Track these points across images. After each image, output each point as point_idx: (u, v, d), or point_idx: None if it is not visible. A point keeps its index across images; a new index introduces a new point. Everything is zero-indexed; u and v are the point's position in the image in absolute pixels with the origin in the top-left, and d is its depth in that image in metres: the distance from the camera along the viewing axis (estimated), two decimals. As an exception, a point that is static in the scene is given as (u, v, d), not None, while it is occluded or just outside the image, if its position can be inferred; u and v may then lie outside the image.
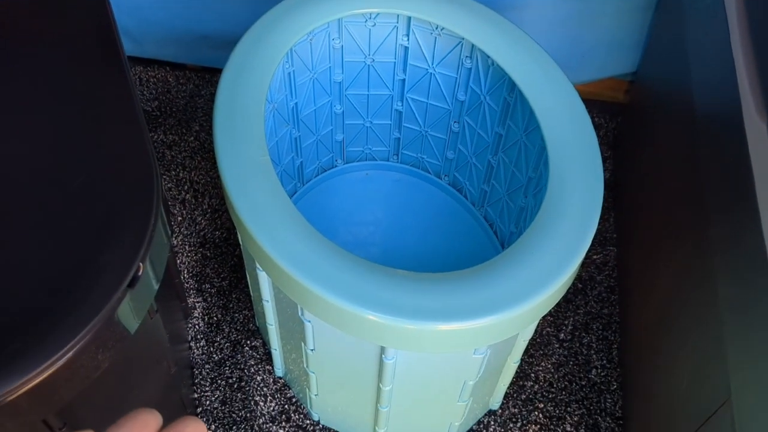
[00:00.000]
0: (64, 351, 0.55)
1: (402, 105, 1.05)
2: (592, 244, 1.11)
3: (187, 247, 1.09)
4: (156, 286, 0.65)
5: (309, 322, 0.73)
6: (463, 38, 0.89)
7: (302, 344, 0.78)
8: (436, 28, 0.92)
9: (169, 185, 1.16)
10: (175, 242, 1.09)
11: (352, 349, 0.73)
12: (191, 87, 1.29)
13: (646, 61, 1.12)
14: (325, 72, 0.98)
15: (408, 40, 0.95)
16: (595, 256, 1.10)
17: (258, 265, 0.74)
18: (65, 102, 0.68)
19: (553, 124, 0.78)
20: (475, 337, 0.66)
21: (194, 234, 1.10)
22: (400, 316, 0.63)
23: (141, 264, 0.60)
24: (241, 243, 0.81)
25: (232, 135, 0.74)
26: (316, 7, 0.87)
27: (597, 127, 1.24)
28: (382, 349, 0.70)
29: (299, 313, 0.73)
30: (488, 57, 0.87)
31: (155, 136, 1.22)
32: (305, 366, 0.82)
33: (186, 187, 1.16)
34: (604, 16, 1.11)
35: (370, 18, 0.92)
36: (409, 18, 0.92)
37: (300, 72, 0.94)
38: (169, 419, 0.83)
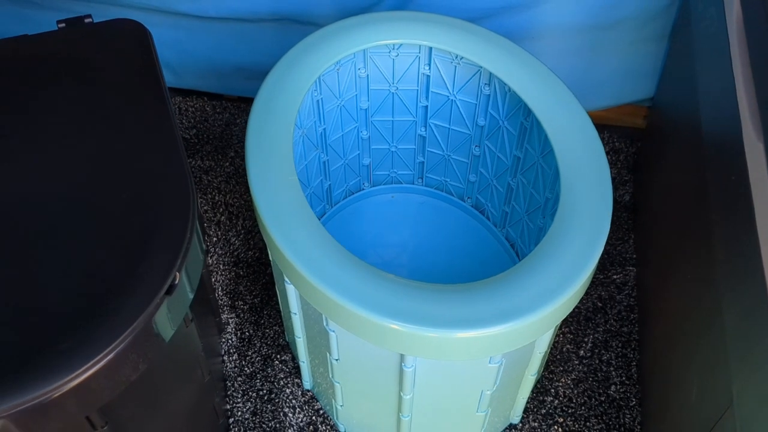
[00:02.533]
0: (106, 352, 0.60)
1: (425, 130, 1.10)
2: (613, 265, 1.14)
3: (221, 266, 1.14)
4: (191, 296, 0.70)
5: (333, 332, 0.77)
6: (481, 67, 0.94)
7: (327, 354, 0.82)
8: (456, 57, 0.97)
9: (205, 208, 1.22)
10: (210, 261, 1.15)
11: (373, 357, 0.77)
12: (227, 116, 1.36)
13: (661, 88, 1.15)
14: (351, 99, 1.04)
15: (429, 69, 1.01)
16: (615, 276, 1.13)
17: (286, 279, 0.79)
18: (111, 126, 0.75)
19: (566, 147, 0.82)
20: (489, 345, 0.69)
21: (228, 254, 1.16)
22: (417, 324, 0.67)
23: (177, 273, 0.65)
24: (271, 259, 0.86)
25: (263, 157, 0.79)
26: (342, 38, 0.92)
27: (617, 151, 1.28)
28: (402, 357, 0.74)
29: (324, 323, 0.77)
30: (505, 84, 0.92)
31: (193, 162, 1.28)
32: (331, 376, 0.87)
33: (221, 209, 1.22)
34: (620, 45, 1.15)
35: (394, 48, 0.98)
36: (430, 48, 0.97)
37: (328, 99, 1.00)
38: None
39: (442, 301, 0.68)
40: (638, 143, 1.28)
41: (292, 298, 0.83)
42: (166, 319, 0.66)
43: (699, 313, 0.77)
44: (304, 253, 0.71)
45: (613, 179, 1.24)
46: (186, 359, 0.80)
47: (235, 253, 1.16)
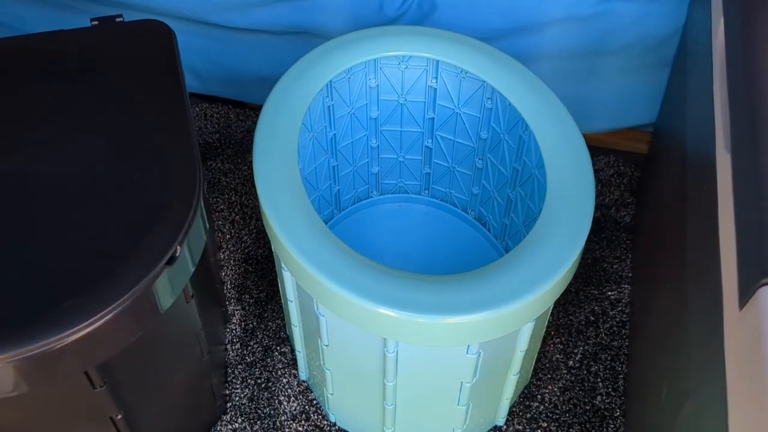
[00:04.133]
0: (106, 312, 0.66)
1: (432, 142, 1.15)
2: (609, 282, 1.17)
3: (232, 261, 1.20)
4: (191, 269, 0.76)
5: (323, 316, 0.82)
6: (484, 81, 0.99)
7: (318, 340, 0.87)
8: (461, 71, 1.02)
9: (221, 207, 1.28)
10: (222, 256, 1.21)
11: (359, 342, 0.81)
12: (249, 123, 1.42)
13: (661, 114, 1.19)
14: (362, 108, 1.10)
15: (436, 82, 1.06)
16: (609, 293, 1.16)
17: (283, 266, 0.85)
18: (130, 113, 0.81)
19: (555, 157, 0.87)
20: (465, 332, 0.74)
21: (239, 251, 1.22)
22: (395, 308, 0.72)
23: (179, 247, 0.71)
24: (273, 250, 0.92)
25: (269, 150, 0.85)
26: (353, 48, 0.99)
27: (622, 175, 1.32)
28: (384, 342, 0.78)
29: (315, 308, 0.82)
30: (506, 99, 0.97)
31: (214, 164, 1.35)
32: (322, 363, 0.91)
33: (236, 209, 1.28)
34: (624, 70, 1.20)
35: (403, 61, 1.04)
36: (437, 62, 1.03)
37: (339, 106, 1.06)
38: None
39: (422, 288, 0.73)
40: (642, 167, 1.31)
41: (289, 284, 0.88)
42: (166, 288, 0.72)
43: (673, 325, 0.80)
44: (298, 239, 0.77)
45: (616, 201, 1.28)
46: (185, 334, 0.85)
47: (246, 251, 1.22)
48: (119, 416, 0.79)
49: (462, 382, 0.84)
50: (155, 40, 0.89)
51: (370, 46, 1.00)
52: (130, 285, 0.67)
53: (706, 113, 0.79)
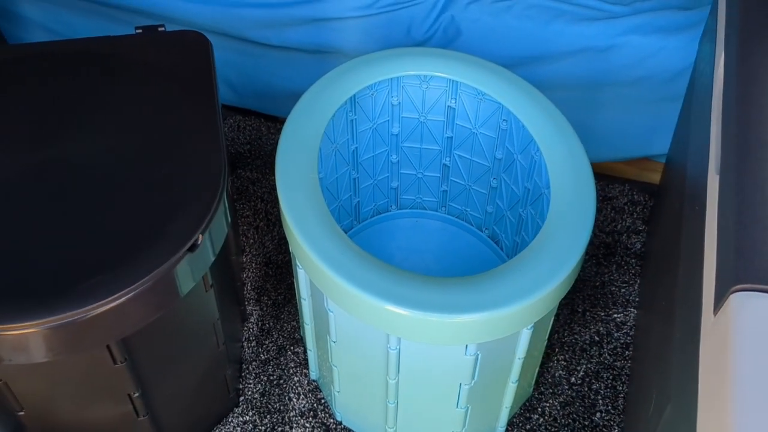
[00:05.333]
0: (130, 289, 0.72)
1: (449, 160, 1.20)
2: (615, 305, 1.20)
3: (253, 264, 1.26)
4: (212, 258, 0.81)
5: (332, 312, 0.87)
6: (501, 104, 1.05)
7: (327, 337, 0.92)
8: (480, 93, 1.08)
9: (247, 213, 1.34)
10: (244, 259, 1.27)
11: (364, 339, 0.86)
12: (279, 136, 1.49)
13: (672, 146, 1.23)
14: (384, 124, 1.15)
15: (455, 102, 1.12)
16: (616, 315, 1.19)
17: (299, 264, 0.90)
18: (164, 112, 0.88)
19: (560, 178, 0.91)
20: (462, 332, 0.78)
21: (261, 255, 1.28)
22: (398, 304, 0.76)
23: (201, 235, 0.77)
24: (290, 249, 0.97)
25: (291, 154, 0.91)
26: (377, 65, 1.05)
27: (635, 203, 1.35)
28: (387, 339, 0.83)
29: (325, 304, 0.87)
30: (519, 120, 1.02)
31: (243, 173, 1.42)
32: (330, 360, 0.96)
33: (261, 216, 1.34)
34: (640, 102, 1.24)
35: (425, 80, 1.10)
36: (457, 83, 1.09)
37: (362, 121, 1.12)
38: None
39: (424, 287, 0.78)
40: (654, 197, 1.35)
41: (303, 282, 0.93)
42: (187, 273, 0.77)
43: (664, 339, 0.84)
44: (311, 236, 0.82)
45: (628, 228, 1.31)
46: (203, 323, 0.90)
47: (268, 255, 1.28)
48: (136, 394, 0.84)
49: (461, 384, 0.88)
50: (193, 49, 0.96)
51: (393, 65, 1.05)
52: (153, 267, 0.73)
53: (705, 141, 0.83)
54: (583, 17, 1.21)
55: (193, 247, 0.76)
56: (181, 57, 0.95)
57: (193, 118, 0.88)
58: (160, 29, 0.99)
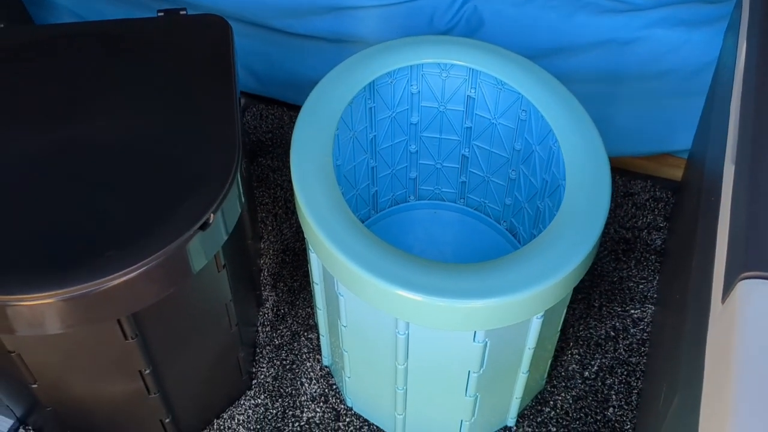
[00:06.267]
0: (144, 263, 0.73)
1: (468, 151, 1.20)
2: (633, 301, 1.19)
3: (271, 251, 1.27)
4: (224, 237, 0.82)
5: (342, 296, 0.87)
6: (520, 93, 1.04)
7: (338, 321, 0.92)
8: (499, 83, 1.07)
9: (266, 200, 1.35)
10: (262, 246, 1.27)
11: (373, 323, 0.86)
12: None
13: (695, 141, 1.21)
14: (403, 113, 1.15)
15: (475, 92, 1.11)
16: (633, 311, 1.18)
17: (311, 248, 0.90)
18: (182, 93, 0.89)
19: (577, 169, 0.90)
20: (470, 318, 0.78)
21: (279, 242, 1.28)
22: (407, 288, 0.76)
23: (213, 214, 0.78)
24: (304, 234, 0.98)
25: (306, 139, 0.91)
26: (397, 52, 1.05)
27: (657, 200, 1.33)
28: (395, 323, 0.83)
29: (336, 288, 0.87)
30: (538, 111, 1.01)
31: (264, 161, 1.43)
32: (341, 345, 0.96)
33: (280, 204, 1.35)
34: (663, 96, 1.22)
35: (444, 69, 1.09)
36: (477, 72, 1.08)
37: (381, 109, 1.12)
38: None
39: (433, 272, 0.78)
40: (676, 194, 1.33)
41: (315, 267, 0.93)
42: (199, 251, 0.78)
43: (676, 331, 0.83)
44: (323, 219, 0.82)
45: (648, 224, 1.30)
46: (216, 303, 0.91)
47: (285, 242, 1.29)
48: (147, 371, 0.85)
49: (470, 371, 0.88)
50: (213, 33, 0.97)
51: (413, 52, 1.05)
52: (165, 243, 0.74)
53: (725, 135, 0.82)
54: (607, 9, 1.19)
55: (204, 226, 0.77)
56: (201, 40, 0.96)
57: (211, 100, 0.89)
58: (181, 12, 1.00)
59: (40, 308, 0.73)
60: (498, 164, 1.18)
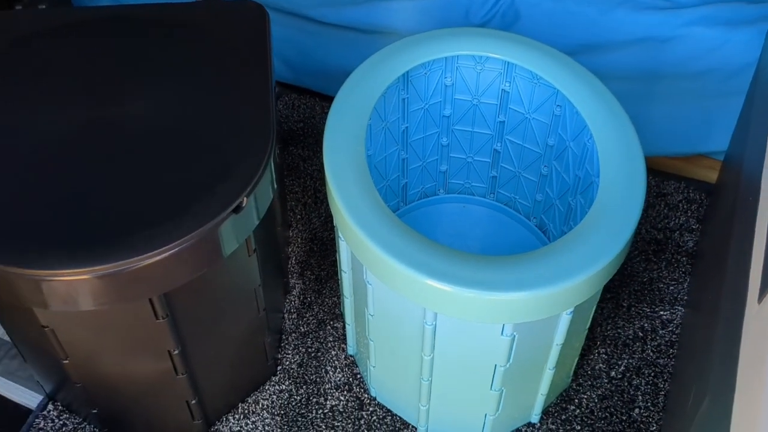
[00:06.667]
0: (177, 244, 0.74)
1: (500, 145, 1.19)
2: (662, 302, 1.18)
3: (299, 239, 1.27)
4: (255, 222, 0.83)
5: (370, 284, 0.87)
6: (556, 88, 1.03)
7: (365, 310, 0.92)
8: (535, 77, 1.06)
9: (296, 189, 1.36)
10: (290, 234, 1.28)
11: (401, 313, 0.86)
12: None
13: (731, 143, 1.19)
14: (436, 105, 1.15)
15: (510, 86, 1.10)
16: (662, 312, 1.16)
17: (341, 236, 0.91)
18: (219, 77, 0.90)
19: (611, 166, 0.90)
20: (499, 310, 0.77)
21: (307, 231, 1.29)
22: (436, 278, 0.76)
23: (246, 198, 0.78)
24: (334, 221, 0.98)
25: (339, 127, 0.92)
26: (431, 44, 1.04)
27: (690, 201, 1.32)
28: (424, 313, 0.83)
29: (364, 276, 0.88)
30: (574, 106, 1.00)
31: (295, 150, 1.43)
32: (367, 334, 0.96)
33: (310, 193, 1.35)
34: (701, 96, 1.21)
35: (480, 62, 1.09)
36: (513, 65, 1.07)
37: (414, 100, 1.12)
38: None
39: (463, 263, 0.77)
40: (710, 196, 1.31)
41: (344, 254, 0.94)
42: (230, 234, 0.79)
43: (706, 331, 0.82)
44: (354, 207, 0.83)
45: (681, 226, 1.28)
46: (245, 287, 0.92)
47: (313, 231, 1.29)
48: (176, 351, 0.86)
49: (496, 365, 0.87)
50: (251, 19, 0.98)
51: (448, 44, 1.05)
52: (198, 225, 0.75)
53: (763, 134, 0.81)
54: (647, 6, 1.18)
55: (237, 209, 0.78)
56: (239, 26, 0.96)
57: (246, 86, 0.89)
58: (220, -2, 1.01)
59: (75, 284, 0.74)
60: (530, 159, 1.17)
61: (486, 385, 0.91)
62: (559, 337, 0.88)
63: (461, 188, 1.29)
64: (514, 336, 0.83)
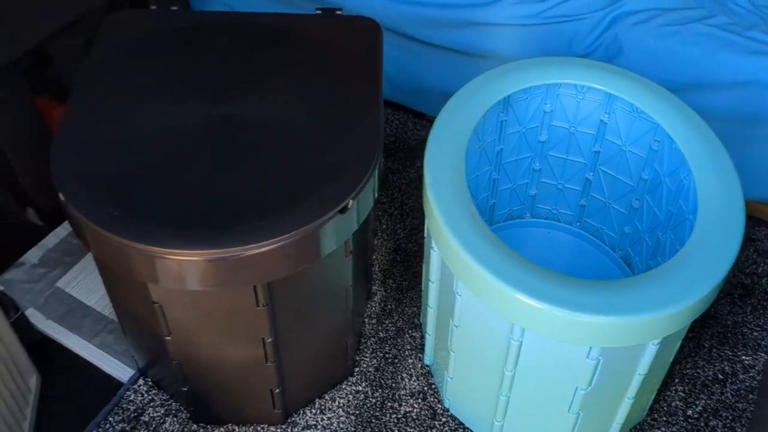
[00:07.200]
0: (284, 237, 0.78)
1: (593, 175, 1.20)
2: (745, 347, 1.16)
3: (383, 248, 1.31)
4: (356, 225, 0.86)
5: (459, 296, 0.90)
6: (656, 123, 1.04)
7: (450, 321, 0.95)
8: (635, 110, 1.08)
9: (384, 200, 1.40)
10: (376, 242, 1.32)
11: (487, 326, 0.88)
12: (424, 134, 1.54)
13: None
14: (533, 130, 1.17)
15: (608, 117, 1.12)
16: (744, 357, 1.15)
17: (433, 246, 0.93)
18: (332, 87, 0.94)
19: (710, 204, 0.90)
20: (587, 332, 0.79)
21: (392, 241, 1.32)
22: (528, 294, 0.78)
23: (351, 201, 0.82)
24: (425, 232, 1.01)
25: (441, 143, 0.95)
26: (534, 70, 1.07)
27: (782, 249, 1.30)
28: (511, 328, 0.85)
29: (454, 287, 0.90)
30: (674, 142, 1.01)
31: (385, 163, 1.47)
32: (449, 345, 0.99)
33: (396, 205, 1.39)
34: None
35: (581, 91, 1.11)
36: (614, 97, 1.09)
37: (511, 123, 1.14)
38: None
39: (556, 283, 0.79)
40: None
41: (434, 265, 0.96)
42: (331, 234, 0.83)
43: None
44: (451, 218, 0.85)
45: (770, 273, 1.26)
46: (337, 286, 0.96)
47: (398, 242, 1.32)
48: (269, 339, 0.90)
49: (577, 387, 0.88)
50: (365, 33, 1.02)
51: (552, 71, 1.07)
52: (306, 221, 0.79)
53: None
54: (754, 50, 1.18)
55: (343, 210, 0.82)
56: (354, 39, 1.01)
57: (358, 95, 0.94)
58: (337, 12, 1.06)
59: (186, 264, 0.78)
60: (621, 191, 1.18)
61: (564, 406, 0.92)
62: (643, 368, 0.88)
63: (548, 214, 1.31)
64: (599, 360, 0.84)
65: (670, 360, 0.98)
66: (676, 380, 1.12)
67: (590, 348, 0.82)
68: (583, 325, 0.78)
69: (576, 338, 0.80)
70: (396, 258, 1.30)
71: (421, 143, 1.51)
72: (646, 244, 1.16)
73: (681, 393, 1.10)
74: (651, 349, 0.85)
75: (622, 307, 0.77)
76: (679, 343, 0.95)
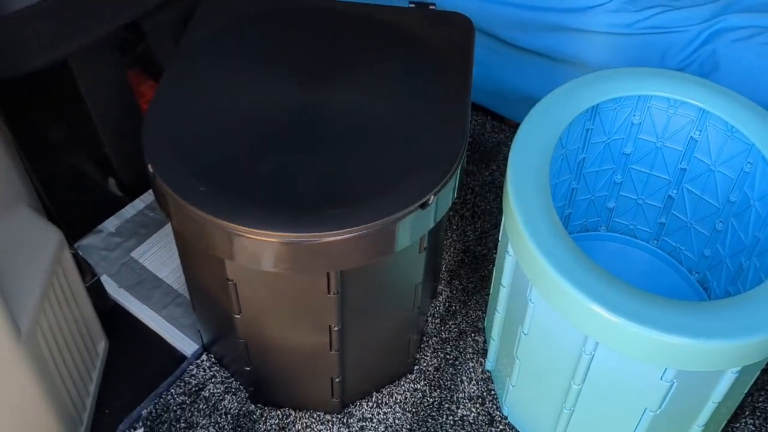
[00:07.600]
0: (363, 227, 0.78)
1: (676, 193, 1.17)
2: (824, 386, 1.11)
3: (452, 249, 1.30)
4: (433, 222, 0.85)
5: (532, 303, 0.88)
6: (752, 144, 1.00)
7: (519, 328, 0.93)
8: (730, 129, 1.04)
9: (456, 201, 1.38)
10: (445, 243, 1.31)
11: (559, 337, 0.86)
12: (502, 137, 1.52)
13: None
14: (618, 141, 1.14)
15: (700, 134, 1.08)
16: (822, 397, 1.10)
17: (509, 250, 0.92)
18: (422, 81, 0.94)
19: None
20: (663, 352, 0.76)
21: (461, 242, 1.31)
22: (605, 307, 0.76)
23: (433, 196, 0.81)
24: (500, 234, 0.99)
25: (526, 147, 0.93)
26: (627, 80, 1.04)
27: None
28: (585, 340, 0.83)
29: (527, 294, 0.88)
30: (768, 164, 0.97)
31: (460, 163, 1.46)
32: (514, 352, 0.97)
33: (468, 206, 1.37)
34: None
35: (673, 105, 1.07)
36: (708, 114, 1.05)
37: (597, 133, 1.12)
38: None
39: (637, 299, 0.77)
40: None
41: (507, 270, 0.95)
42: (409, 228, 0.82)
43: None
44: (532, 224, 0.84)
45: None
46: (408, 281, 0.95)
47: (467, 244, 1.31)
48: (336, 328, 0.90)
49: (646, 409, 0.85)
50: (458, 30, 1.01)
51: (644, 82, 1.04)
52: (386, 213, 0.79)
53: None
54: None
55: (424, 205, 0.81)
56: (446, 34, 1.00)
57: (447, 91, 0.93)
58: (431, 7, 1.05)
59: (262, 245, 0.79)
60: (705, 212, 1.14)
61: (629, 427, 0.89)
62: (717, 395, 0.85)
63: (624, 229, 1.27)
64: (674, 383, 0.81)
65: (744, 391, 0.94)
66: (747, 412, 1.07)
67: (666, 369, 0.79)
68: (662, 344, 0.75)
69: (652, 358, 0.77)
70: (464, 259, 1.29)
71: (498, 146, 1.49)
72: (727, 269, 1.12)
73: (751, 426, 1.06)
74: (729, 377, 0.82)
75: (706, 330, 0.74)
76: (757, 375, 0.91)
